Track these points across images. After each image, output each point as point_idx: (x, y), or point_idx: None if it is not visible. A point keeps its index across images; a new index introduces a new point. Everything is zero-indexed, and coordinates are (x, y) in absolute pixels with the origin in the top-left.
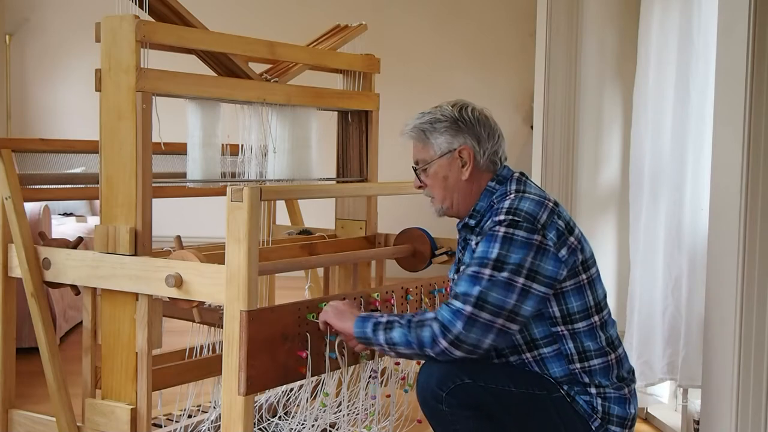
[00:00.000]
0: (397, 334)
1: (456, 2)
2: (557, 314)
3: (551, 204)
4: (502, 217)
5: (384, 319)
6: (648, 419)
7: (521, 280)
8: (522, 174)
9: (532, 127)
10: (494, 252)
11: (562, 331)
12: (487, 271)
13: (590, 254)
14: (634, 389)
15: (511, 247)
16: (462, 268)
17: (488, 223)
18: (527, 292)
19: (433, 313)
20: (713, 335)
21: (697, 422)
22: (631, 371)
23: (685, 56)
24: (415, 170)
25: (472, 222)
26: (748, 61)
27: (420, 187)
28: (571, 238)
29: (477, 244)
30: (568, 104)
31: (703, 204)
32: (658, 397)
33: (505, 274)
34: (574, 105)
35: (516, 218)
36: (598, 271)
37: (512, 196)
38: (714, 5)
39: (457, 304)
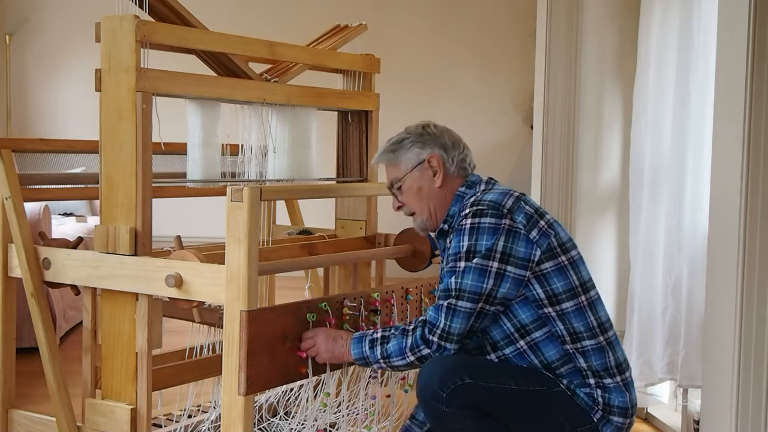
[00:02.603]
0: (392, 345)
1: (456, 2)
2: (542, 296)
3: (517, 193)
4: (467, 211)
5: (379, 335)
6: (648, 419)
7: (495, 264)
8: (491, 178)
9: (532, 127)
10: (465, 244)
11: (549, 312)
12: (462, 264)
13: (568, 239)
14: (631, 377)
15: (479, 235)
16: (441, 266)
17: (457, 220)
18: (502, 275)
19: (424, 315)
20: (713, 335)
21: (697, 422)
22: (625, 357)
23: (685, 56)
24: (391, 191)
25: (446, 227)
26: (748, 61)
27: (399, 208)
28: (542, 222)
29: (450, 242)
30: (568, 104)
31: (703, 204)
32: (658, 397)
33: (477, 260)
34: (574, 105)
35: (480, 207)
36: (580, 255)
37: (479, 194)
38: (714, 5)
39: (439, 301)
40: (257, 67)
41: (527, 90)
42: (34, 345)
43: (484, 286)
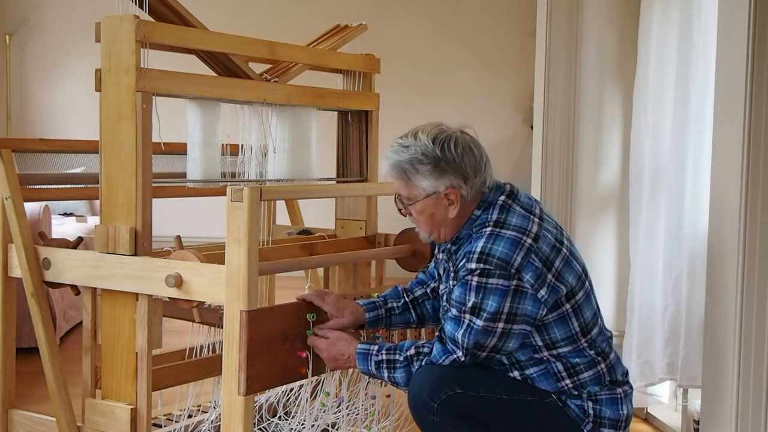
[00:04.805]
0: (399, 375)
1: (456, 2)
2: (540, 343)
3: (529, 241)
4: (473, 266)
5: (384, 357)
6: (648, 419)
7: (500, 324)
8: (508, 197)
9: (532, 127)
10: (470, 300)
11: (546, 356)
12: (467, 317)
13: (577, 279)
14: (629, 390)
15: (486, 295)
16: (443, 287)
17: (461, 264)
18: (507, 333)
19: (429, 348)
20: (713, 335)
21: (697, 422)
22: (625, 373)
23: (685, 56)
24: (396, 202)
25: (453, 248)
26: (748, 61)
27: (404, 215)
28: (550, 276)
29: (453, 280)
30: (568, 104)
31: (703, 204)
32: (658, 397)
33: (481, 322)
34: (574, 105)
35: (487, 266)
36: (587, 291)
37: (487, 231)
38: (714, 5)
39: (449, 346)
40: (257, 67)
41: (527, 90)
42: (34, 345)
43: (488, 342)
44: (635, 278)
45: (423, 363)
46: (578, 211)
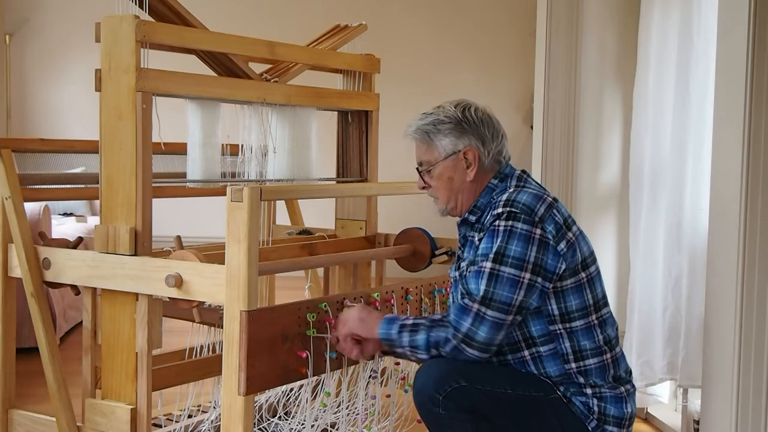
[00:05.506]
0: (420, 337)
1: (456, 2)
2: (555, 312)
3: (550, 199)
4: (500, 210)
5: (410, 321)
6: (648, 419)
7: (527, 275)
8: (524, 172)
9: (532, 127)
10: (496, 246)
11: (559, 329)
12: (490, 265)
13: (589, 252)
14: (632, 389)
15: (511, 239)
16: (462, 264)
17: (488, 218)
18: (532, 287)
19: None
20: (713, 335)
21: (697, 422)
22: (629, 371)
23: (685, 56)
24: (418, 171)
25: (472, 218)
26: (748, 61)
27: (424, 188)
28: (569, 234)
29: (479, 240)
30: (568, 104)
31: (703, 204)
32: (658, 397)
33: (509, 269)
34: (574, 105)
35: (513, 209)
36: (598, 269)
37: (511, 189)
38: (714, 5)
39: (466, 302)
40: (257, 67)
41: (527, 90)
42: (34, 345)
43: (515, 297)
44: (635, 278)
45: (448, 330)
46: (578, 211)
